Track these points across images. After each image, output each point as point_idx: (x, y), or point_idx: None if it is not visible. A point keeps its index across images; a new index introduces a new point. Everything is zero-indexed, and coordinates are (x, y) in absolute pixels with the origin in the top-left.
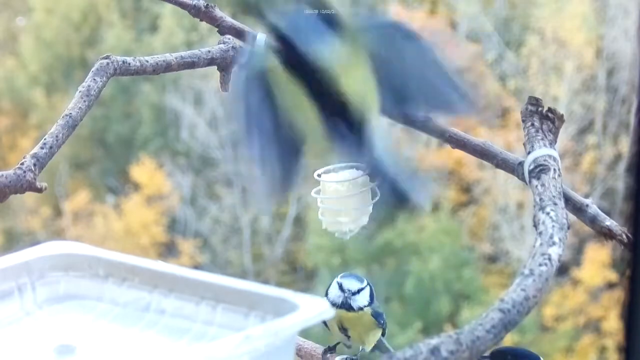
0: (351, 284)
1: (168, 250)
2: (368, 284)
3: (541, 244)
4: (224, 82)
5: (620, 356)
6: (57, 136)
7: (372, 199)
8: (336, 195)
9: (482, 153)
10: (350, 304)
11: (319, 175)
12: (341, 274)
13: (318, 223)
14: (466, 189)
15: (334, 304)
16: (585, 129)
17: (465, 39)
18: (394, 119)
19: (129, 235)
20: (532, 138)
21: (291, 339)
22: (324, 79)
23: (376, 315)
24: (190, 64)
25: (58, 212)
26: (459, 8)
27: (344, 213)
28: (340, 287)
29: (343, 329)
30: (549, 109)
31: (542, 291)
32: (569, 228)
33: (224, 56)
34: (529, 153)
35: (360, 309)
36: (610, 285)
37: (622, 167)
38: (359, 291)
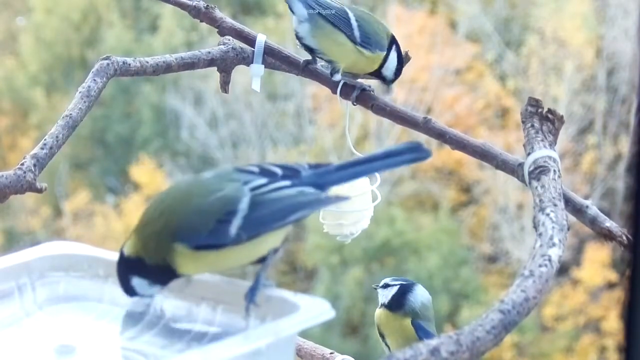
0: (387, 280)
1: None
2: (402, 285)
3: (541, 245)
4: (224, 83)
5: (620, 356)
6: (57, 137)
7: (373, 201)
8: None
9: (482, 154)
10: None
11: None
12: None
13: (317, 222)
14: (466, 189)
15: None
16: (585, 129)
17: (465, 39)
18: None
19: None
20: (532, 139)
21: (291, 339)
22: None
23: (418, 327)
24: (191, 65)
25: (58, 212)
26: (459, 8)
27: (345, 216)
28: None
29: (381, 336)
30: (549, 110)
31: (542, 292)
32: (568, 229)
33: (224, 57)
34: (528, 154)
35: (383, 305)
36: (610, 285)
37: (622, 167)
38: (386, 286)
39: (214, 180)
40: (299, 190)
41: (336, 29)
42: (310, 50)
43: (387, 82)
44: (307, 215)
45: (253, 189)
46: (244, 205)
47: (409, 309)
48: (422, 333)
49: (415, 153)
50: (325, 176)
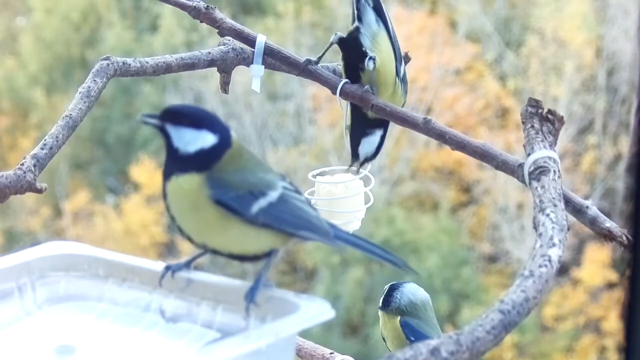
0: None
1: (168, 250)
2: (392, 285)
3: (541, 246)
4: (224, 84)
5: (620, 356)
6: (57, 137)
7: (366, 203)
8: (329, 197)
9: (482, 155)
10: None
11: (313, 177)
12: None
13: None
14: (466, 189)
15: None
16: (585, 129)
17: (465, 39)
18: None
19: (129, 235)
20: (532, 140)
21: (291, 339)
22: None
23: (405, 325)
24: (191, 66)
25: (58, 212)
26: (459, 8)
27: (336, 215)
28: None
29: (384, 339)
30: (549, 111)
31: (542, 292)
32: (568, 229)
33: (224, 58)
34: (528, 155)
35: (380, 308)
36: (610, 285)
37: (622, 167)
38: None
39: (264, 164)
40: (317, 216)
41: (392, 49)
42: (351, 46)
43: (357, 157)
44: (313, 239)
45: (284, 188)
46: (274, 194)
47: (395, 306)
48: (408, 330)
49: (401, 266)
50: (337, 229)
